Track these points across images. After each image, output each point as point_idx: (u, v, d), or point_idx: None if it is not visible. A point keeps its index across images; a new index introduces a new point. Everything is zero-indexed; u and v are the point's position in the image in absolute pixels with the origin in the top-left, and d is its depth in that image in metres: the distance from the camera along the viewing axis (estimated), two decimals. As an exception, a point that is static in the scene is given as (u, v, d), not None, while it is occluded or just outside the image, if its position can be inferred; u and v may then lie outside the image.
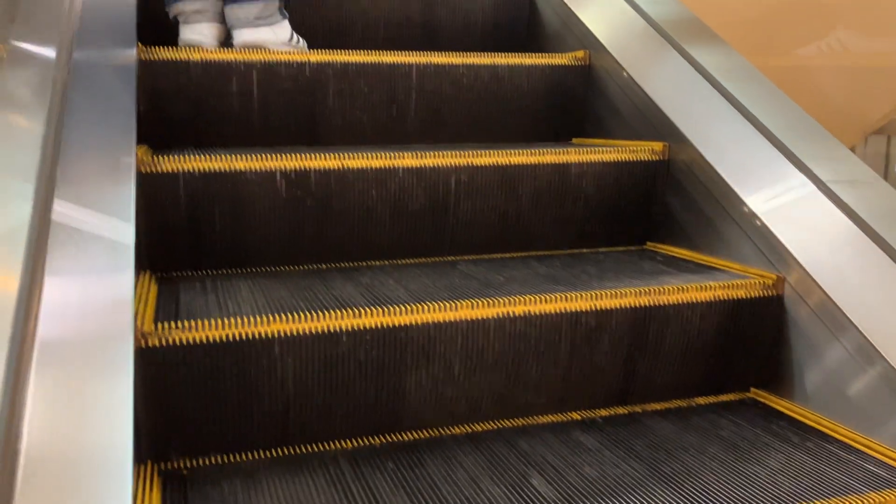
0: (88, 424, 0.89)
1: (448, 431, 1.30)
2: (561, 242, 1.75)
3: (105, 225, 1.21)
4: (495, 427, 1.32)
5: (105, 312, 1.04)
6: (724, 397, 1.46)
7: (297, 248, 1.56)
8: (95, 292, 1.06)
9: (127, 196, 1.26)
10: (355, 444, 1.25)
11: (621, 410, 1.40)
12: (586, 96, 2.07)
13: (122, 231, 1.17)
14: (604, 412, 1.39)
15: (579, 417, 1.36)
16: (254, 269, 1.54)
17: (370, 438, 1.27)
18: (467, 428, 1.31)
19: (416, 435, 1.29)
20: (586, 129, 2.06)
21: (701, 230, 1.66)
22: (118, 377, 0.96)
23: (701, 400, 1.45)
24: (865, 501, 1.11)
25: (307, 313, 1.18)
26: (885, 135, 4.87)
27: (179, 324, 1.13)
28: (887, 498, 1.12)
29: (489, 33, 2.35)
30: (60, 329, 0.98)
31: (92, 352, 0.98)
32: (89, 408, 0.91)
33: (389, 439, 1.27)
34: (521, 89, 2.03)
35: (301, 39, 2.03)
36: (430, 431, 1.30)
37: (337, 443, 1.25)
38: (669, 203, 1.76)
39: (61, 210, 1.15)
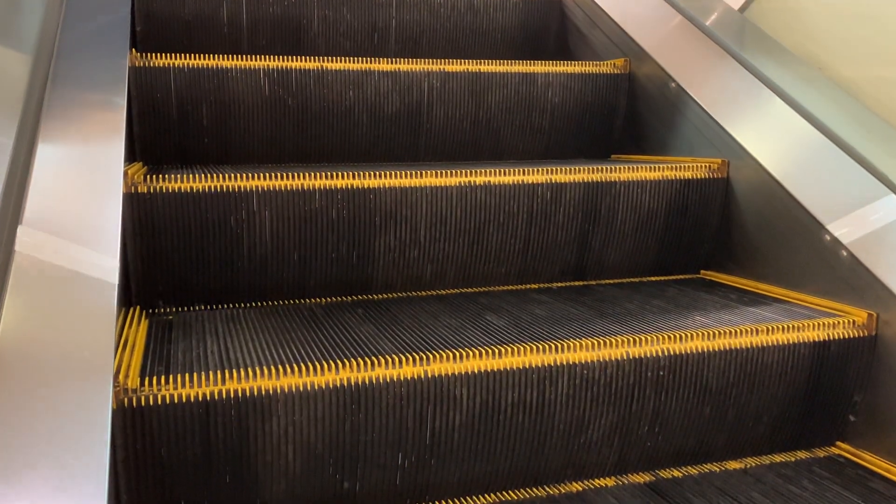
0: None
1: (416, 294, 1.42)
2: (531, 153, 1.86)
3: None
4: (460, 292, 1.43)
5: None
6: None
7: (279, 146, 1.67)
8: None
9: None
10: (329, 300, 1.37)
11: (576, 283, 1.51)
12: (560, 28, 2.19)
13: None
14: (560, 284, 1.50)
15: (537, 286, 1.48)
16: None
17: (343, 297, 1.38)
18: (434, 292, 1.43)
19: (386, 296, 1.40)
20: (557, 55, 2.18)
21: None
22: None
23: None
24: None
25: (283, 174, 1.30)
26: None
27: (167, 176, 1.25)
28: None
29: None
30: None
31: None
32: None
33: (361, 298, 1.39)
34: (495, 20, 2.15)
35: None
36: (400, 294, 1.41)
37: (312, 300, 1.36)
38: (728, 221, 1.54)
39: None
